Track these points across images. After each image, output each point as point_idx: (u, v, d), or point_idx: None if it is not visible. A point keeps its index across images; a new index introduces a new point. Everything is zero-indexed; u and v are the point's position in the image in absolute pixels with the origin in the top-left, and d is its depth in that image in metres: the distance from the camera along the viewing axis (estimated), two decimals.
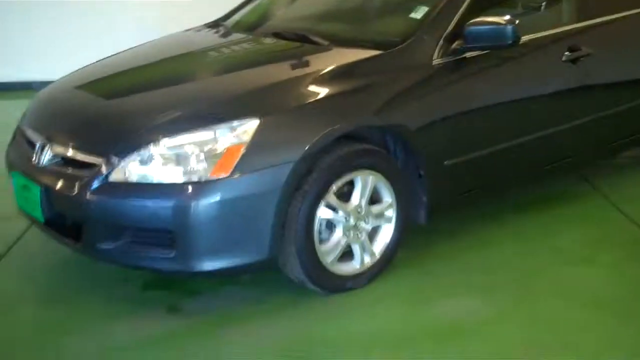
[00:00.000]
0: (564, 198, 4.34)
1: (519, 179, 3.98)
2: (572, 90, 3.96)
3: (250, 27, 4.14)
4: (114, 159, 2.97)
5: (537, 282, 3.38)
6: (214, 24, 4.35)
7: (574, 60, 3.91)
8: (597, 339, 2.95)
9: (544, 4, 4.12)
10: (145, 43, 4.18)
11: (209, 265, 2.97)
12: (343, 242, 3.23)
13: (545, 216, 4.08)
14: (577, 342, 2.91)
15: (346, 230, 3.23)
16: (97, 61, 4.00)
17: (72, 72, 3.86)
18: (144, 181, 2.94)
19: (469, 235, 3.84)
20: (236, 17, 4.37)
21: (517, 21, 3.38)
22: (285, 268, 3.18)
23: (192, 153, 2.92)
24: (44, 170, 3.19)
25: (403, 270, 3.46)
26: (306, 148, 2.97)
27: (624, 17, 4.25)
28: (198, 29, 4.33)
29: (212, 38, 4.12)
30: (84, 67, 3.94)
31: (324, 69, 3.32)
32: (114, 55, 4.06)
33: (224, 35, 4.12)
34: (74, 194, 3.01)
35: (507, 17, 3.40)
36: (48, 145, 3.22)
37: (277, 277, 3.27)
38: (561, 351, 2.86)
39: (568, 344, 2.91)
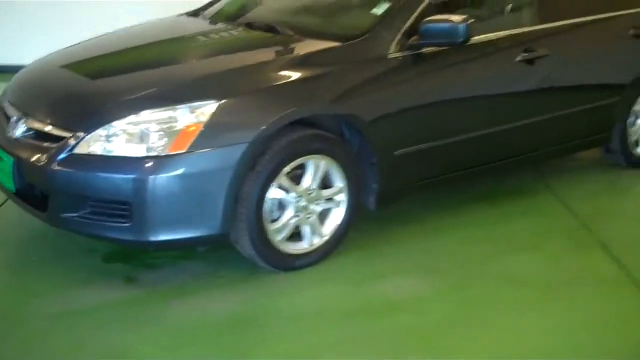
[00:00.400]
0: (518, 193, 4.54)
1: (470, 172, 4.16)
2: (527, 90, 4.16)
3: (226, 17, 4.35)
4: (81, 133, 3.17)
5: (477, 267, 3.59)
6: (194, 13, 4.55)
7: (529, 61, 4.10)
8: (521, 316, 3.16)
9: (505, 6, 4.30)
10: (126, 28, 4.38)
11: (163, 236, 3.16)
12: (293, 222, 3.43)
13: (497, 209, 4.28)
14: (501, 319, 3.12)
15: (297, 211, 3.42)
16: (76, 43, 4.19)
17: (52, 53, 4.06)
18: (106, 154, 3.13)
19: (421, 223, 4.04)
20: (215, 7, 4.57)
21: (469, 20, 3.58)
22: (237, 244, 3.38)
23: (153, 130, 3.12)
24: (17, 142, 3.40)
25: (352, 251, 3.66)
26: (259, 130, 3.18)
27: (581, 22, 4.44)
28: (178, 17, 4.52)
29: (188, 26, 4.32)
30: (64, 48, 4.13)
31: (284, 58, 3.54)
32: (94, 38, 4.26)
33: (201, 23, 4.32)
34: (41, 164, 3.21)
35: (462, 16, 3.59)
36: (23, 119, 3.43)
37: (233, 255, 3.47)
38: (485, 327, 3.07)
39: (491, 320, 3.12)
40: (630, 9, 4.78)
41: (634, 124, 4.95)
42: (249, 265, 3.46)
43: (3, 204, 4.14)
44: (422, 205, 4.21)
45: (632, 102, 4.85)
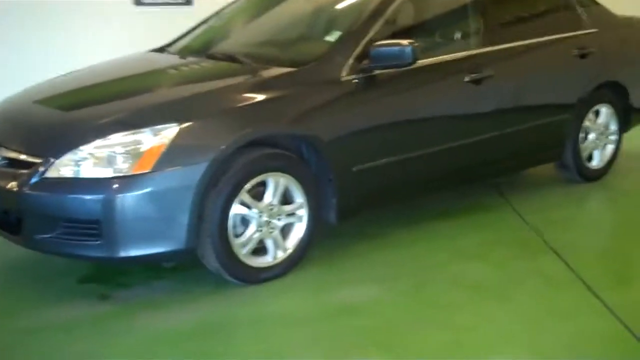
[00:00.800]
0: (476, 208, 4.78)
1: (426, 188, 4.40)
2: (476, 108, 4.42)
3: (190, 51, 4.60)
4: (51, 158, 3.38)
5: (431, 274, 3.79)
6: (160, 49, 4.80)
7: (477, 81, 4.36)
8: (471, 314, 3.36)
9: (453, 31, 4.58)
10: (95, 65, 4.61)
11: (132, 252, 3.36)
12: (256, 236, 3.64)
13: (454, 222, 4.51)
14: (453, 319, 3.32)
15: (259, 226, 3.63)
16: (47, 80, 4.42)
17: (24, 89, 4.28)
18: (75, 177, 3.34)
19: (380, 238, 4.25)
20: (180, 43, 4.82)
21: (416, 43, 3.84)
22: (204, 259, 3.58)
23: (119, 152, 3.34)
24: None
25: (314, 265, 3.86)
26: (219, 150, 3.40)
27: (527, 44, 4.73)
28: (145, 52, 4.77)
29: (155, 60, 4.56)
30: (37, 84, 4.36)
31: (242, 83, 3.78)
32: (64, 74, 4.49)
33: (166, 58, 4.58)
34: (15, 189, 3.41)
35: (408, 40, 3.86)
36: None
37: (201, 272, 3.67)
38: (438, 325, 3.27)
39: (446, 319, 3.32)
40: (574, 31, 5.07)
41: (585, 140, 5.21)
42: (216, 280, 3.65)
43: None
44: (382, 222, 4.45)
45: (582, 119, 5.12)
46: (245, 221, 3.62)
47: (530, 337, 3.16)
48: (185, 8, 7.67)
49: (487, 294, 3.57)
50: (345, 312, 3.40)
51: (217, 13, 5.10)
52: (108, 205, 3.29)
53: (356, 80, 3.90)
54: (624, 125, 5.47)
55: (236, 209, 3.54)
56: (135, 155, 3.32)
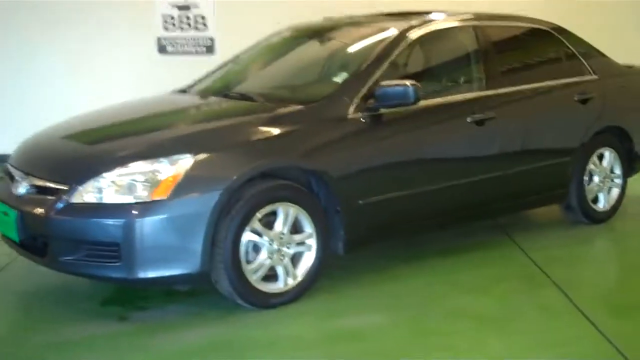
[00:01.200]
0: (479, 246, 4.92)
1: (430, 223, 4.59)
2: (477, 148, 4.63)
3: (209, 92, 4.87)
4: (75, 185, 3.63)
5: (433, 305, 3.94)
6: (182, 91, 5.10)
7: (479, 122, 4.58)
8: (469, 342, 3.51)
9: (457, 74, 4.83)
10: (118, 103, 4.90)
11: (150, 273, 3.57)
12: (267, 263, 3.83)
13: (456, 259, 4.65)
14: (451, 344, 3.48)
15: (270, 253, 3.83)
16: (72, 117, 4.70)
17: (50, 126, 4.56)
18: (97, 202, 3.58)
19: (384, 272, 4.41)
20: (198, 85, 5.12)
21: (418, 84, 4.08)
22: (217, 284, 3.77)
23: (139, 180, 3.58)
24: (20, 198, 3.85)
25: (322, 293, 4.03)
26: (231, 180, 3.63)
27: (527, 89, 4.96)
28: (167, 94, 5.06)
29: (175, 100, 4.85)
30: (62, 121, 4.64)
31: (255, 119, 4.02)
32: (87, 113, 4.77)
33: (186, 98, 4.86)
34: (42, 214, 3.65)
35: (411, 80, 4.10)
36: (26, 178, 3.90)
37: (215, 297, 3.87)
38: (439, 351, 3.42)
39: (446, 345, 3.48)
40: (575, 77, 5.30)
41: (589, 182, 5.38)
42: (229, 304, 3.84)
43: (9, 264, 4.56)
44: (386, 258, 4.62)
45: (585, 162, 5.30)
46: (256, 248, 3.82)
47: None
48: (208, 57, 8.03)
49: (486, 323, 3.72)
50: (350, 337, 3.57)
51: (234, 58, 5.40)
52: (127, 230, 3.52)
53: (362, 119, 4.13)
54: (629, 170, 5.63)
55: (248, 236, 3.75)
56: (153, 183, 3.56)
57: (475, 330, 3.64)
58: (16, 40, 8.05)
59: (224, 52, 7.45)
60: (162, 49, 8.17)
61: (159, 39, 8.16)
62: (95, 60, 8.10)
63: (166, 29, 8.12)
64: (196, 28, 8.17)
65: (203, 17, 8.11)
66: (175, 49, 8.19)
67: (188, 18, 8.13)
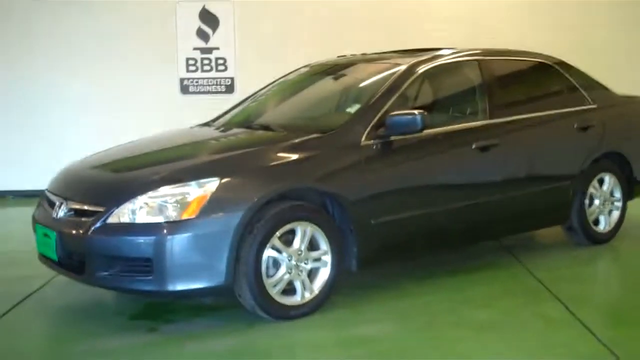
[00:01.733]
0: (485, 266, 5.22)
1: (438, 242, 4.90)
2: (482, 173, 4.97)
3: (231, 125, 5.26)
4: (112, 208, 3.99)
5: (440, 317, 4.23)
6: (207, 123, 5.49)
7: (483, 149, 4.92)
8: (472, 345, 3.81)
9: (462, 104, 5.19)
10: (146, 137, 5.28)
11: (179, 286, 3.90)
12: (286, 277, 4.15)
13: (463, 277, 4.94)
14: (455, 349, 3.77)
15: (289, 268, 4.15)
16: (103, 150, 5.09)
17: (83, 158, 4.94)
18: (132, 222, 3.93)
19: (395, 290, 4.71)
20: (221, 120, 5.51)
21: (425, 113, 4.43)
22: (240, 297, 4.10)
23: (170, 201, 3.93)
24: (60, 220, 4.22)
25: (337, 307, 4.34)
26: (253, 201, 3.98)
27: (529, 117, 5.30)
28: (191, 127, 5.45)
29: (200, 132, 5.23)
30: (94, 153, 5.02)
31: (275, 146, 4.37)
32: (119, 145, 5.16)
33: (209, 131, 5.24)
34: (80, 234, 4.01)
35: (419, 110, 4.46)
36: (64, 203, 4.26)
37: (238, 311, 4.20)
38: (445, 352, 3.72)
39: (450, 349, 3.77)
40: (575, 107, 5.64)
41: (590, 205, 5.68)
42: (251, 317, 4.15)
43: (44, 285, 4.91)
44: (397, 277, 4.94)
45: (586, 186, 5.60)
46: (276, 263, 4.14)
47: None
48: (227, 96, 8.45)
49: (489, 332, 4.00)
50: (364, 342, 3.87)
51: (253, 95, 5.80)
52: (159, 246, 3.86)
53: (374, 146, 4.48)
54: (628, 194, 5.93)
55: (268, 253, 4.08)
56: (183, 204, 3.91)
57: (478, 336, 3.92)
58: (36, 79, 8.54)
59: (243, 91, 7.94)
60: (184, 89, 8.61)
61: (181, 80, 8.59)
62: (119, 99, 8.56)
63: (188, 70, 8.56)
64: (217, 69, 8.60)
65: (224, 59, 8.55)
66: (196, 88, 8.62)
67: (209, 60, 8.57)
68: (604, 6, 8.69)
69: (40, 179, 8.23)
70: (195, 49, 8.59)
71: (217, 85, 8.64)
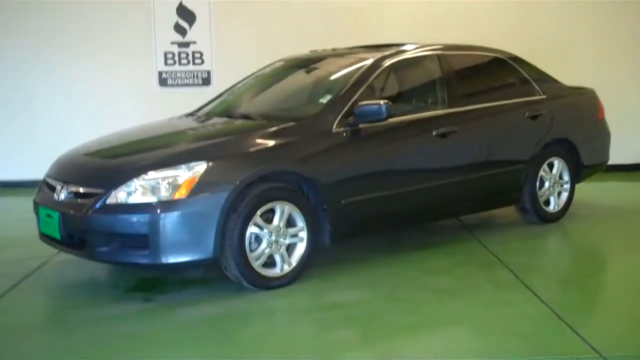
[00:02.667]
0: (447, 242, 5.80)
1: (402, 220, 5.44)
2: (442, 157, 5.51)
3: (212, 114, 5.73)
4: (110, 189, 4.44)
5: (405, 284, 4.77)
6: (190, 114, 5.96)
7: (442, 135, 5.46)
8: (432, 306, 4.36)
9: (424, 95, 5.73)
10: (134, 127, 5.73)
11: (171, 259, 4.37)
12: (267, 252, 4.65)
13: (427, 251, 5.51)
14: (419, 308, 4.32)
15: (269, 243, 4.64)
16: (95, 139, 5.53)
17: (76, 146, 5.38)
18: (129, 202, 4.40)
19: (365, 261, 5.26)
20: (205, 108, 5.99)
21: (389, 103, 4.95)
22: (226, 270, 4.58)
23: (161, 183, 4.40)
24: (61, 202, 4.66)
25: (313, 278, 4.86)
26: (237, 183, 4.46)
27: (484, 107, 5.85)
28: (175, 117, 5.92)
29: (185, 122, 5.69)
30: (86, 142, 5.46)
31: (254, 133, 4.86)
32: (110, 134, 5.61)
33: (195, 119, 5.71)
34: (82, 213, 4.46)
35: (384, 100, 4.97)
36: (65, 186, 4.71)
37: (224, 283, 4.69)
38: (408, 312, 4.26)
39: (413, 309, 4.31)
40: (526, 97, 6.20)
41: (541, 187, 6.26)
42: (236, 288, 4.64)
43: (43, 264, 5.36)
44: (367, 250, 5.49)
45: (537, 170, 6.17)
46: (258, 239, 4.63)
47: (476, 317, 4.16)
48: (204, 88, 8.90)
49: (448, 294, 4.56)
50: (336, 307, 4.38)
51: (231, 87, 6.28)
52: (153, 223, 4.33)
53: (344, 132, 4.98)
54: (576, 177, 6.51)
55: (251, 229, 4.56)
56: (174, 186, 4.38)
57: (438, 298, 4.48)
58: (21, 68, 8.91)
59: (219, 83, 8.40)
60: (162, 82, 9.03)
61: (160, 73, 9.02)
62: (100, 91, 8.97)
63: (167, 63, 8.99)
64: (194, 62, 9.04)
65: (201, 53, 8.99)
66: (174, 81, 9.05)
67: (187, 54, 9.01)
68: (558, 4, 9.25)
69: (18, 170, 8.76)
70: (173, 43, 8.99)
71: (194, 78, 9.06)
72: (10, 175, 8.94)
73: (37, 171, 8.45)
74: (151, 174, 4.44)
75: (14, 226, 6.89)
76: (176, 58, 9.03)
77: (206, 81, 9.05)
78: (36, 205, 4.97)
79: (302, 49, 6.77)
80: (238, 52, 8.95)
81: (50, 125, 8.96)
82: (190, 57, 9.05)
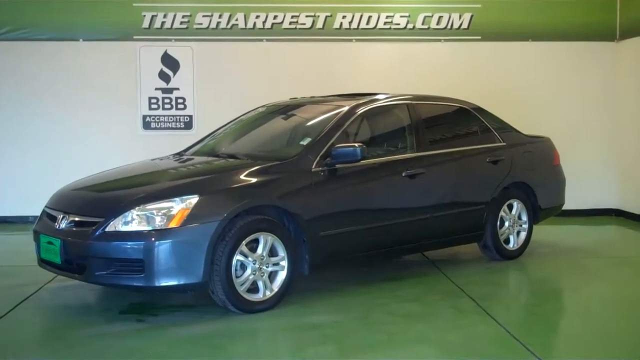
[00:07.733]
0: (416, 274, 6.31)
1: (374, 252, 5.92)
2: (410, 196, 6.03)
3: (202, 153, 6.23)
4: (109, 219, 4.89)
5: (375, 309, 5.25)
6: (179, 153, 6.45)
7: (411, 176, 5.99)
8: (399, 327, 4.83)
9: (395, 140, 6.29)
10: (127, 165, 6.20)
11: (163, 282, 4.80)
12: (251, 278, 5.10)
13: (396, 282, 6.00)
14: (386, 329, 4.79)
15: (253, 270, 5.10)
16: (91, 175, 5.98)
17: (71, 182, 5.83)
18: (126, 230, 4.84)
19: (339, 291, 5.72)
20: (193, 148, 6.48)
21: (364, 146, 5.48)
22: (213, 294, 5.02)
23: (157, 214, 4.85)
24: (62, 231, 5.09)
25: (293, 303, 5.30)
26: (225, 215, 4.93)
27: (449, 152, 6.41)
28: (166, 156, 6.40)
29: (174, 160, 6.17)
30: (83, 178, 5.91)
31: (240, 171, 5.35)
32: (107, 171, 6.06)
33: (183, 159, 6.19)
34: (83, 241, 4.89)
35: (359, 143, 5.50)
36: (66, 216, 5.14)
37: (211, 307, 5.11)
38: (378, 332, 4.72)
39: (383, 329, 4.78)
40: (487, 144, 6.78)
41: (501, 226, 6.80)
42: (222, 312, 5.07)
43: (39, 289, 5.74)
44: (341, 281, 5.96)
45: (498, 210, 6.72)
46: (243, 266, 5.08)
47: (440, 337, 4.63)
48: (186, 132, 9.39)
49: (414, 318, 5.04)
50: (313, 327, 4.84)
51: (217, 130, 6.79)
52: (149, 250, 4.77)
53: (322, 172, 5.49)
54: (534, 218, 7.07)
55: (237, 257, 5.01)
56: (168, 216, 4.84)
57: (405, 321, 4.97)
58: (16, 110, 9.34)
59: (200, 128, 8.91)
60: (146, 125, 9.51)
61: (144, 117, 9.50)
62: (86, 132, 9.41)
63: (151, 108, 9.48)
64: (177, 107, 9.54)
65: (184, 99, 9.51)
66: (158, 125, 9.52)
67: (170, 99, 9.51)
68: (514, 52, 9.85)
69: (2, 207, 9.13)
70: (157, 89, 9.49)
71: (176, 122, 9.54)
72: None
73: (23, 208, 9.03)
74: (148, 205, 4.88)
75: (8, 257, 7.28)
76: (160, 103, 9.51)
77: (188, 125, 9.52)
78: (36, 233, 5.38)
79: (280, 96, 7.32)
80: (219, 98, 9.47)
81: (37, 166, 9.35)
82: (173, 103, 9.53)
